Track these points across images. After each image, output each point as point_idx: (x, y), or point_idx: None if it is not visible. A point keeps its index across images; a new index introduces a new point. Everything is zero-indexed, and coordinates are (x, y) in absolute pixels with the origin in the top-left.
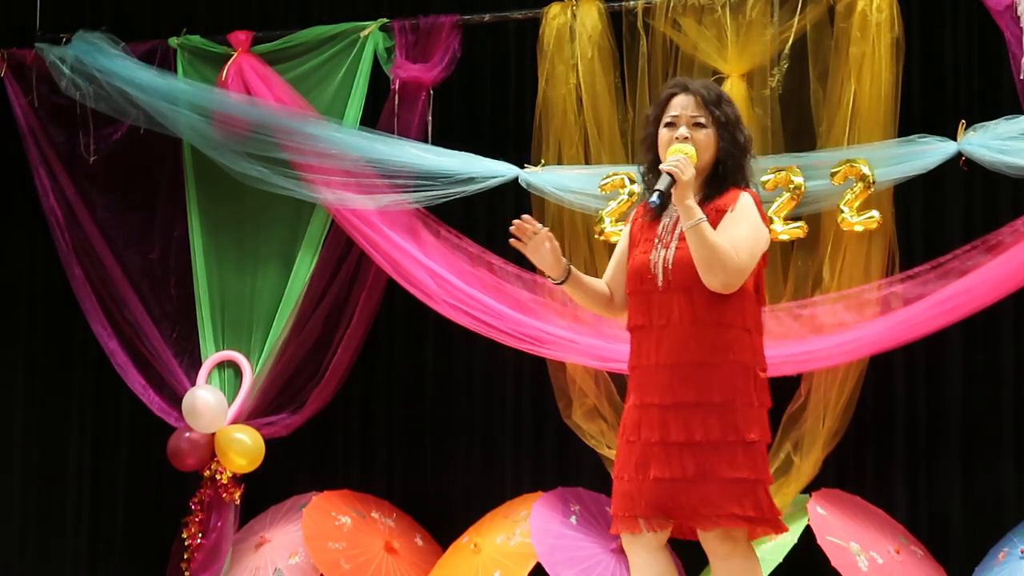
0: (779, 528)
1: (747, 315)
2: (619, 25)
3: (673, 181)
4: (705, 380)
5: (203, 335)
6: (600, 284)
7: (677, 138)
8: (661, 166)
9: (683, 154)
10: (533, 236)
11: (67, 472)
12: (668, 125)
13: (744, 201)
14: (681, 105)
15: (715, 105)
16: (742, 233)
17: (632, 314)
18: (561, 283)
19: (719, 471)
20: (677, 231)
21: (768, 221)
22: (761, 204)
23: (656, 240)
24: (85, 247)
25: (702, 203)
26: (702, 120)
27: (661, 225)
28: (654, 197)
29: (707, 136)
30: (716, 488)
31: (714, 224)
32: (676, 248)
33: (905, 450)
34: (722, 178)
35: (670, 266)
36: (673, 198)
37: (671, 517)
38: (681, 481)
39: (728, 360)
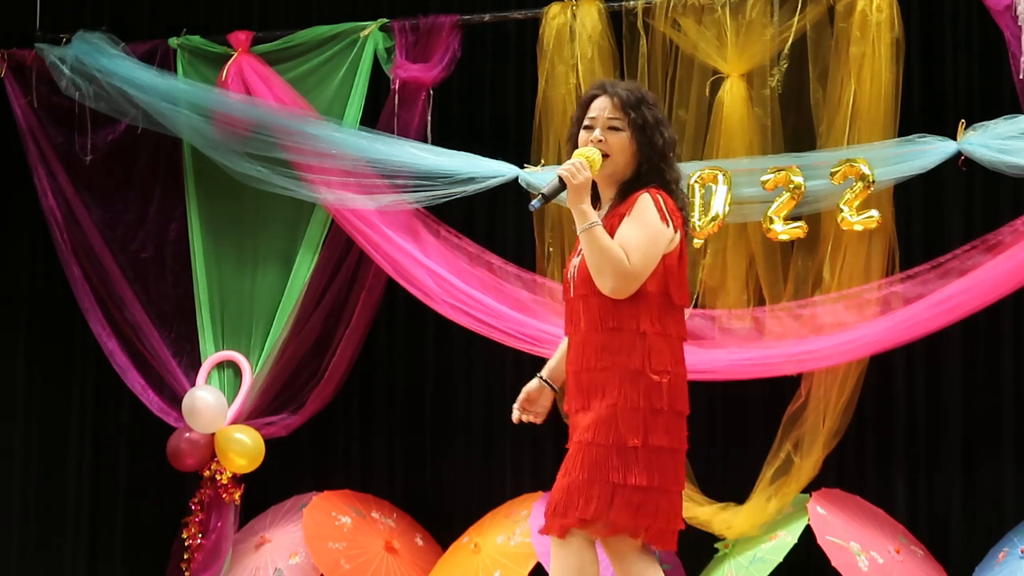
0: (650, 534)
1: (643, 318)
2: (619, 25)
3: (563, 185)
4: (594, 384)
5: (202, 335)
6: (563, 342)
7: (592, 141)
8: (557, 169)
9: (583, 158)
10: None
11: (67, 472)
12: (586, 127)
13: (642, 202)
14: (599, 107)
15: (633, 108)
16: (635, 237)
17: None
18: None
19: (581, 473)
20: None
21: (678, 220)
22: (670, 203)
23: (578, 249)
24: (84, 247)
25: (611, 207)
26: (618, 123)
27: None
28: (534, 201)
29: (623, 139)
30: (570, 485)
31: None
32: (581, 256)
33: (905, 450)
34: (639, 182)
35: (575, 274)
36: (567, 202)
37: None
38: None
39: (615, 364)
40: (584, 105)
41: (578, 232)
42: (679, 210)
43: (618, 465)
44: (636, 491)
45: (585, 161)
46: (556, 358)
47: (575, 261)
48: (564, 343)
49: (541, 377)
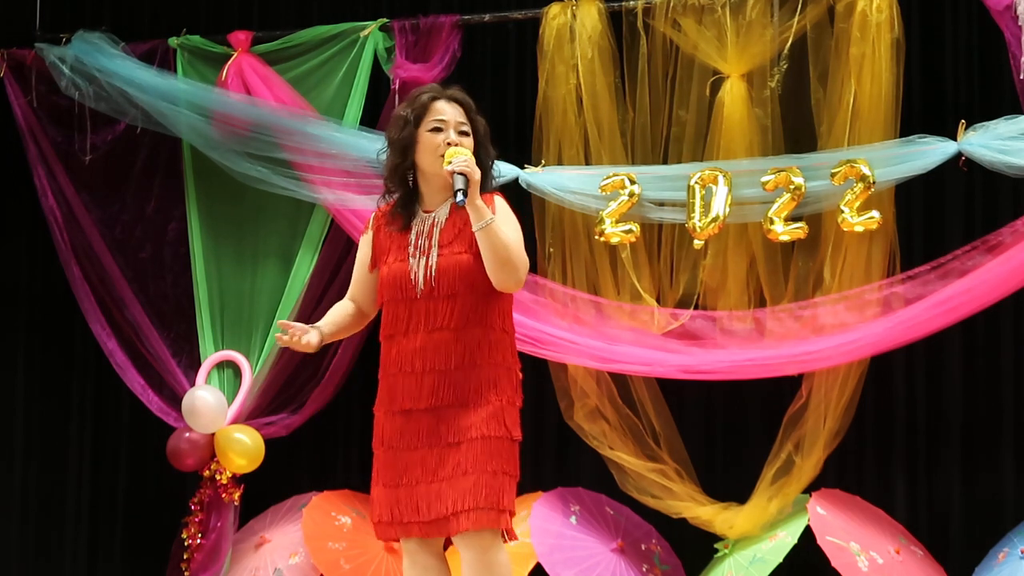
0: (510, 532)
1: (507, 318)
2: (619, 25)
3: (467, 181)
4: (473, 382)
5: (202, 335)
6: (343, 310)
7: (449, 143)
8: (450, 167)
9: (467, 155)
10: (300, 335)
11: (67, 472)
12: (435, 129)
13: (502, 204)
14: (446, 111)
15: (475, 114)
16: (515, 237)
17: (389, 322)
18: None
19: (485, 466)
20: (435, 238)
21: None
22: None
23: (412, 248)
24: (84, 247)
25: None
26: (466, 128)
27: (414, 233)
28: (460, 197)
29: (471, 144)
30: (479, 481)
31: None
32: (439, 256)
33: (905, 450)
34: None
35: (433, 273)
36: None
37: (429, 519)
38: (443, 481)
39: (493, 361)
40: (423, 106)
41: (475, 229)
42: None
43: (512, 458)
44: (515, 481)
45: (472, 159)
46: (336, 324)
47: (423, 261)
48: (341, 319)
49: (319, 328)
